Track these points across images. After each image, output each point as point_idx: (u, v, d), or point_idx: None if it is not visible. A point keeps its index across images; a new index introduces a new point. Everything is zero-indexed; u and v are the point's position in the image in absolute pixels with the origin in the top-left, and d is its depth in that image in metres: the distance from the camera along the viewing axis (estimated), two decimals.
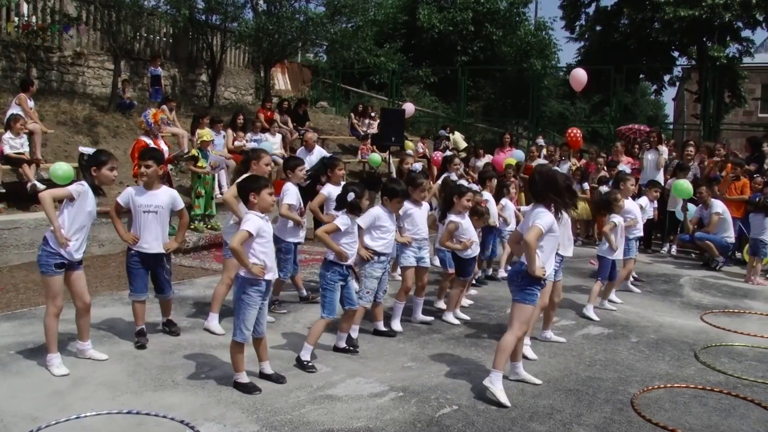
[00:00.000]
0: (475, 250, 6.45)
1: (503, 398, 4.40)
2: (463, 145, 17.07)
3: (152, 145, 8.55)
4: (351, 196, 5.10)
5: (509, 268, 6.25)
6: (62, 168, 7.92)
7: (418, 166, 6.61)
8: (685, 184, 9.90)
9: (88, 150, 4.91)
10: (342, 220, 5.09)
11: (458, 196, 6.23)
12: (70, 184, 4.85)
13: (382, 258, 5.56)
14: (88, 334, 4.99)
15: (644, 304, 7.53)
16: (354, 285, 5.30)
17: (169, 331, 5.58)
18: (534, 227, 4.42)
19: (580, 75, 15.25)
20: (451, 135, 17.37)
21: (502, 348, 4.50)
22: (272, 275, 4.55)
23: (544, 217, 4.45)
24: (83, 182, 4.74)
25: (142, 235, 5.28)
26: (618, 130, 17.07)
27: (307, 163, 8.18)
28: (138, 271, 5.36)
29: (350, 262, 5.15)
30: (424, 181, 6.27)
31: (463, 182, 9.02)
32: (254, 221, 4.43)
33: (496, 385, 4.45)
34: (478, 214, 6.80)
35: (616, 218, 6.87)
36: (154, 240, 5.29)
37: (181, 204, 5.41)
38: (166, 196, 5.31)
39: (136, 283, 5.37)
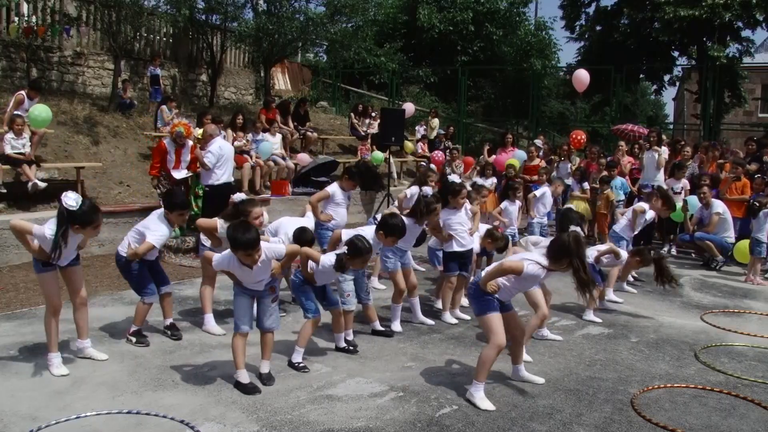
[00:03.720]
0: (461, 246, 6.45)
1: (485, 405, 4.37)
2: (435, 127, 17.51)
3: (172, 153, 8.71)
4: (339, 256, 4.93)
5: None
6: (40, 111, 8.32)
7: (428, 190, 6.64)
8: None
9: (73, 201, 4.42)
10: (328, 259, 4.96)
11: (452, 195, 6.31)
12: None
13: None
14: (87, 331, 4.98)
15: (644, 304, 7.53)
16: (378, 285, 5.32)
17: (171, 335, 5.58)
18: (518, 263, 4.36)
19: (582, 76, 15.31)
20: (431, 118, 17.70)
21: (482, 361, 4.47)
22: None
23: (533, 267, 4.35)
24: (46, 230, 4.47)
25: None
26: (615, 129, 17.10)
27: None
28: (142, 271, 5.37)
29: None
30: (437, 206, 6.22)
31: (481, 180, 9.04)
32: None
33: (476, 395, 4.43)
34: (492, 237, 6.90)
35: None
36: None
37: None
38: None
39: (149, 287, 5.37)
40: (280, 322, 6.16)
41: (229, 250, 4.47)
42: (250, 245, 4.28)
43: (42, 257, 4.55)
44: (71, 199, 4.40)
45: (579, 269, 4.24)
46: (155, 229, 5.23)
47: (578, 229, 6.25)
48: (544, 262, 4.38)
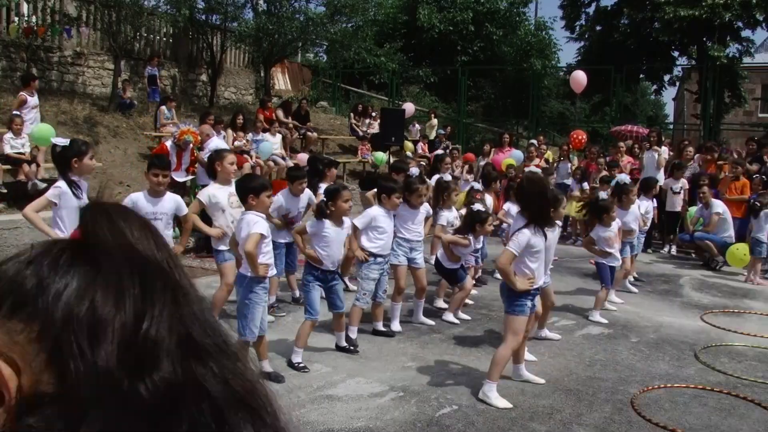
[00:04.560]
0: (464, 262, 6.45)
1: (502, 403, 4.39)
2: (434, 127, 17.64)
3: (173, 155, 8.78)
4: (321, 198, 5.07)
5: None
6: (41, 130, 8.44)
7: (415, 170, 6.67)
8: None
9: (63, 141, 4.72)
10: (310, 222, 5.04)
11: (480, 224, 6.22)
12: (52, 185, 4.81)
13: (379, 259, 5.53)
14: None
15: (644, 304, 7.53)
16: (350, 285, 5.33)
17: None
18: (506, 252, 4.36)
19: (579, 77, 15.33)
20: (431, 119, 17.91)
21: (496, 361, 4.47)
22: (273, 271, 4.61)
23: (518, 238, 4.34)
24: (58, 184, 4.65)
25: None
26: (613, 130, 17.11)
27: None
28: None
29: (329, 267, 5.03)
30: (421, 186, 6.23)
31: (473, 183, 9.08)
32: (262, 222, 4.46)
33: (490, 395, 4.43)
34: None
35: (602, 231, 6.65)
36: None
37: (185, 209, 5.36)
38: (171, 203, 5.26)
39: None
40: (280, 321, 6.19)
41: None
42: (264, 186, 4.48)
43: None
44: (61, 140, 4.74)
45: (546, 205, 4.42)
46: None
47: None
48: (522, 221, 4.41)
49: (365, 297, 5.53)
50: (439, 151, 13.12)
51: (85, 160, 4.66)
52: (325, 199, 5.02)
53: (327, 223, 4.97)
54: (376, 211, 5.51)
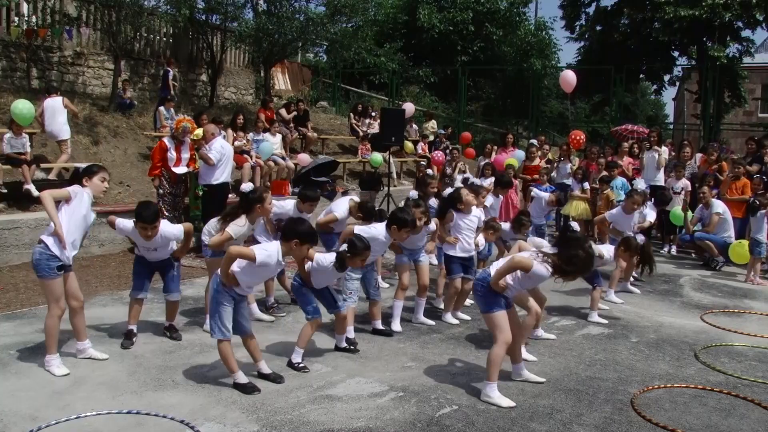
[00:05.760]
0: (466, 251, 6.40)
1: (505, 402, 4.40)
2: (432, 129, 17.65)
3: (172, 150, 8.77)
4: (343, 247, 4.93)
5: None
6: (17, 107, 8.85)
7: (414, 194, 6.70)
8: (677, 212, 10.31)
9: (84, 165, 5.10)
10: (324, 258, 4.95)
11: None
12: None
13: None
14: (86, 333, 5.00)
15: (644, 304, 7.53)
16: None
17: (170, 336, 5.58)
18: (528, 260, 4.36)
19: (569, 77, 15.35)
20: (427, 122, 17.90)
21: (492, 360, 4.47)
22: (245, 291, 4.60)
23: (541, 269, 4.36)
24: (76, 186, 4.84)
25: (144, 254, 5.45)
26: (613, 131, 17.12)
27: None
28: (139, 269, 5.48)
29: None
30: (416, 210, 5.92)
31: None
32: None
33: (493, 395, 4.44)
34: (493, 228, 6.92)
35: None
36: (154, 257, 5.45)
37: (178, 237, 5.37)
38: (160, 239, 5.25)
39: (135, 282, 5.50)
40: (279, 322, 6.19)
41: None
42: (312, 235, 4.52)
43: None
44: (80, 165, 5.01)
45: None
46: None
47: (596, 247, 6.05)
48: (550, 269, 4.38)
49: (351, 296, 5.55)
50: (429, 171, 12.67)
51: (94, 180, 4.90)
52: (346, 251, 4.86)
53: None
54: (379, 235, 5.44)
